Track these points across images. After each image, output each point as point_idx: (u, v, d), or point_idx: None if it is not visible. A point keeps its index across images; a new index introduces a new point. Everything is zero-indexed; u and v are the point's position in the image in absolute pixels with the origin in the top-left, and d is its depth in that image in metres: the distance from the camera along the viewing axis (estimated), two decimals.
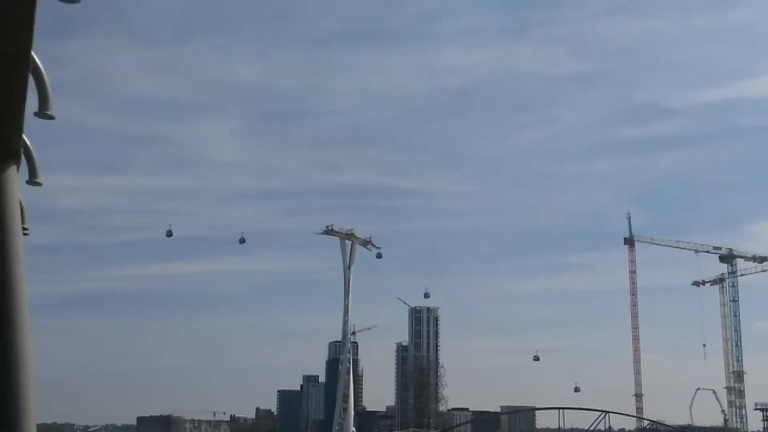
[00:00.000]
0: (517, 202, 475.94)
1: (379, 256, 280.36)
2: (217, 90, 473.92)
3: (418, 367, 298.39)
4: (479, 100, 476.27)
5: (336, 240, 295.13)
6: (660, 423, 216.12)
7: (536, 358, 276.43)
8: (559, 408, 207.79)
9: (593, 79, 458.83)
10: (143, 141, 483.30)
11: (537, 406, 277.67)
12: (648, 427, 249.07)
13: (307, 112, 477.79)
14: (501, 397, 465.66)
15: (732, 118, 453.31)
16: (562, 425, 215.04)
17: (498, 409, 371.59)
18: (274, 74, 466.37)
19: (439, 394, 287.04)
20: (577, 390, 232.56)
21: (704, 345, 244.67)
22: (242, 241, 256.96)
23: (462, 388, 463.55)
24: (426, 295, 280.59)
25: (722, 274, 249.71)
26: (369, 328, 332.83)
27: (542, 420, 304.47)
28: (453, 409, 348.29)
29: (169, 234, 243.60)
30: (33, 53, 6.34)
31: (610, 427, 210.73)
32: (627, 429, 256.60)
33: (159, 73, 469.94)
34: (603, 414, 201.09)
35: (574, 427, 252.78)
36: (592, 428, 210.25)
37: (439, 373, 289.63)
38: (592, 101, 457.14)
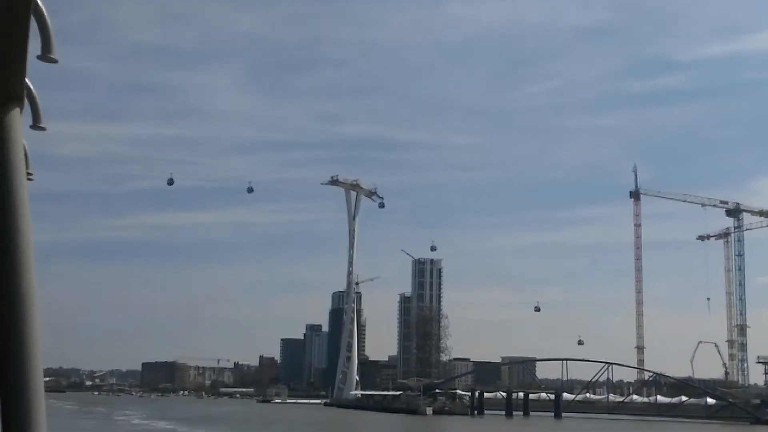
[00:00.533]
0: (521, 155, 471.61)
1: (381, 206, 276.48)
2: (220, 40, 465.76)
3: (422, 318, 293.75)
4: (483, 54, 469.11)
5: (338, 192, 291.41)
6: (661, 375, 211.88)
7: (537, 309, 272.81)
8: (563, 359, 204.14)
9: (600, 32, 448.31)
10: (146, 89, 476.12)
11: (537, 358, 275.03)
12: (649, 378, 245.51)
13: (310, 63, 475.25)
14: (502, 349, 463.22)
15: (736, 72, 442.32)
16: (565, 376, 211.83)
17: (499, 360, 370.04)
18: (276, 25, 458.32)
19: (442, 344, 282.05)
20: (581, 343, 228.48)
21: (708, 299, 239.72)
22: (250, 190, 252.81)
23: (464, 339, 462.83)
24: (432, 248, 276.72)
25: (727, 228, 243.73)
26: (372, 279, 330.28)
27: (543, 371, 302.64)
28: (455, 359, 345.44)
29: (171, 182, 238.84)
30: None
31: (608, 378, 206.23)
32: (626, 381, 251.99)
33: (162, 21, 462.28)
34: (606, 365, 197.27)
35: (576, 378, 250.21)
36: (594, 379, 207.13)
37: (442, 324, 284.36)
38: (598, 55, 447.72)
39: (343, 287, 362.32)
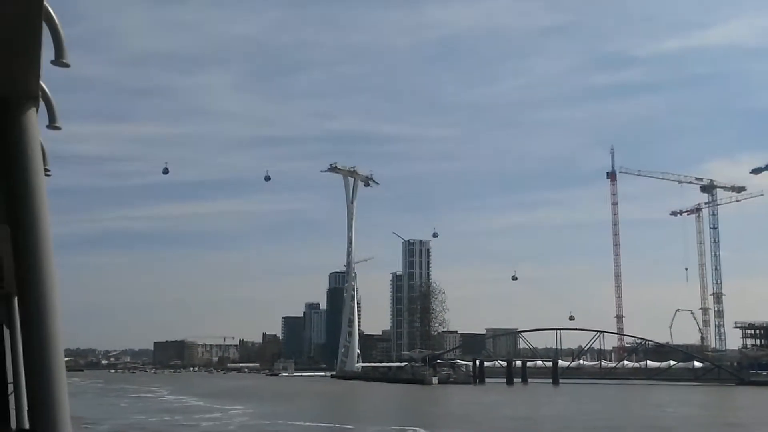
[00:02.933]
0: (496, 145, 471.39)
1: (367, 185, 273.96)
2: (218, 44, 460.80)
3: (423, 293, 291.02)
4: (460, 52, 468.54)
5: (333, 181, 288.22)
6: (649, 341, 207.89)
7: (514, 278, 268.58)
8: (556, 329, 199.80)
9: (565, 31, 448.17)
10: (149, 92, 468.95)
11: (519, 329, 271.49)
12: (627, 346, 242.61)
13: (300, 65, 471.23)
14: (486, 321, 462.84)
15: (690, 66, 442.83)
16: (558, 345, 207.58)
17: (484, 332, 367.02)
18: (268, 30, 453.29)
19: (440, 318, 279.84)
20: (572, 318, 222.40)
21: (686, 269, 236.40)
22: (267, 178, 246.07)
23: (451, 313, 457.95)
24: (435, 235, 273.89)
25: (698, 204, 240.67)
26: (366, 260, 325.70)
27: (525, 341, 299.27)
28: (444, 331, 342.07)
29: (166, 171, 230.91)
30: (46, 4, 6.19)
31: (601, 347, 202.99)
32: (607, 348, 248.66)
33: (163, 28, 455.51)
34: (597, 333, 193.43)
35: (558, 347, 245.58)
36: (587, 347, 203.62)
37: (439, 299, 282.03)
38: (565, 52, 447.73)
39: (338, 268, 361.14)
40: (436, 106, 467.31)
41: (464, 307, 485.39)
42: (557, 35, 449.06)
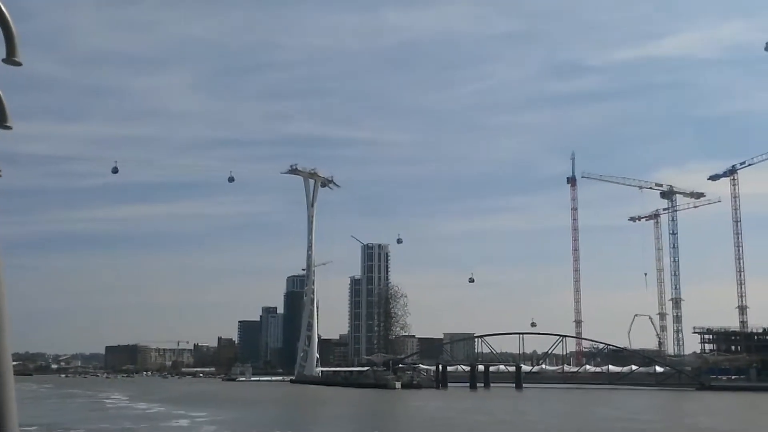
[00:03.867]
0: (452, 150, 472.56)
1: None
2: (173, 45, 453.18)
3: (385, 297, 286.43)
4: (417, 58, 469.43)
5: (290, 184, 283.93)
6: (606, 344, 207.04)
7: (471, 280, 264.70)
8: (519, 333, 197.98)
9: (522, 38, 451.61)
10: (102, 92, 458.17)
11: (476, 333, 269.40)
12: (586, 350, 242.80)
13: (258, 67, 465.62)
14: (443, 326, 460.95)
15: (645, 75, 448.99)
16: (519, 350, 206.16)
17: (441, 337, 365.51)
18: (226, 31, 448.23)
19: (403, 322, 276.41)
20: (533, 325, 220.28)
21: (645, 274, 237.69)
22: (231, 179, 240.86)
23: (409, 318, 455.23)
24: (399, 241, 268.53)
25: (657, 210, 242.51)
26: (325, 264, 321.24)
27: (481, 346, 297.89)
28: (403, 336, 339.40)
29: (115, 170, 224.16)
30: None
31: (549, 351, 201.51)
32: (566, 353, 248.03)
33: (117, 28, 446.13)
34: (560, 338, 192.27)
35: (513, 352, 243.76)
36: (550, 351, 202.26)
37: (401, 302, 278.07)
38: (522, 59, 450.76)
39: (296, 272, 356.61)
40: (392, 111, 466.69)
41: (421, 311, 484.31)
42: (513, 42, 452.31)
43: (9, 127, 7.25)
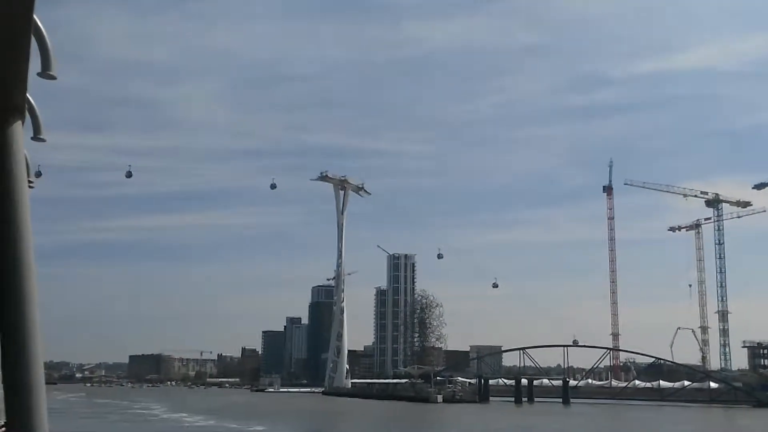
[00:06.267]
0: (473, 162, 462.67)
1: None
2: (196, 57, 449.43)
3: (420, 306, 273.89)
4: (438, 70, 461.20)
5: (315, 194, 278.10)
6: (656, 359, 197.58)
7: (495, 285, 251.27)
8: (563, 345, 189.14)
9: (543, 51, 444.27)
10: (126, 103, 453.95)
11: (503, 347, 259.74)
12: (629, 364, 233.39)
13: (280, 78, 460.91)
14: (468, 338, 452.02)
15: (665, 88, 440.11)
16: (565, 363, 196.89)
17: (467, 349, 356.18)
18: (249, 43, 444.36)
19: (438, 332, 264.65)
20: (575, 342, 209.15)
21: (690, 285, 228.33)
22: (273, 186, 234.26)
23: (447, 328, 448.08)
24: (439, 256, 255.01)
25: (698, 219, 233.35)
26: (350, 274, 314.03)
27: (507, 360, 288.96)
28: (430, 347, 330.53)
29: (129, 175, 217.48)
30: (35, 16, 6.26)
31: (596, 365, 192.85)
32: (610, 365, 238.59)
33: (141, 39, 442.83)
34: (607, 351, 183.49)
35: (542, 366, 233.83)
36: (596, 365, 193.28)
37: (437, 312, 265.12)
38: (542, 71, 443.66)
39: (321, 282, 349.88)
40: (412, 123, 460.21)
41: (449, 322, 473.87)
42: (534, 54, 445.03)
43: (42, 140, 7.22)
